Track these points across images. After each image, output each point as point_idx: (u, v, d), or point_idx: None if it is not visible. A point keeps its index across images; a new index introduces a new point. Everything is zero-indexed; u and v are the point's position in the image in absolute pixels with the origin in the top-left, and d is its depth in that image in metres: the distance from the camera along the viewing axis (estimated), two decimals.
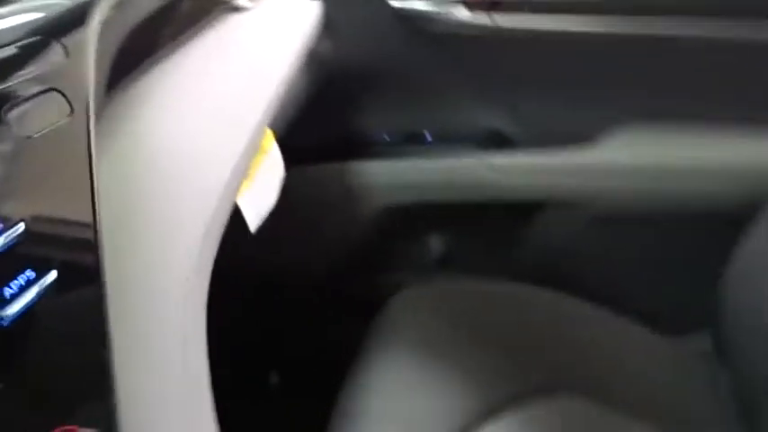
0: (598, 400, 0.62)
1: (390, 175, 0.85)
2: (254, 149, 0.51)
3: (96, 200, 0.31)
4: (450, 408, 0.61)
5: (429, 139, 0.85)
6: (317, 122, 0.78)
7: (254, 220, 0.56)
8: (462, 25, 0.81)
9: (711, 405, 0.65)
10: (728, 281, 0.64)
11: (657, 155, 0.77)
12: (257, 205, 0.58)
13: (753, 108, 0.73)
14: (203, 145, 0.44)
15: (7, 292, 0.26)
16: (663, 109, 0.76)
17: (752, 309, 0.61)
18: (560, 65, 0.80)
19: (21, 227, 0.27)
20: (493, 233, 0.87)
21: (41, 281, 0.27)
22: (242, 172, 0.47)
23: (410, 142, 0.85)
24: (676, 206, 0.77)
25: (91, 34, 0.37)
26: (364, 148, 0.85)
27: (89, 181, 0.31)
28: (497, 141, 0.83)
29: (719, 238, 0.64)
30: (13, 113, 0.30)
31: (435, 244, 0.89)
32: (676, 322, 0.73)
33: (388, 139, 0.85)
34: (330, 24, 0.74)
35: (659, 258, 0.79)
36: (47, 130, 0.31)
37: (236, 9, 0.66)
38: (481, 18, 0.81)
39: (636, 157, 0.77)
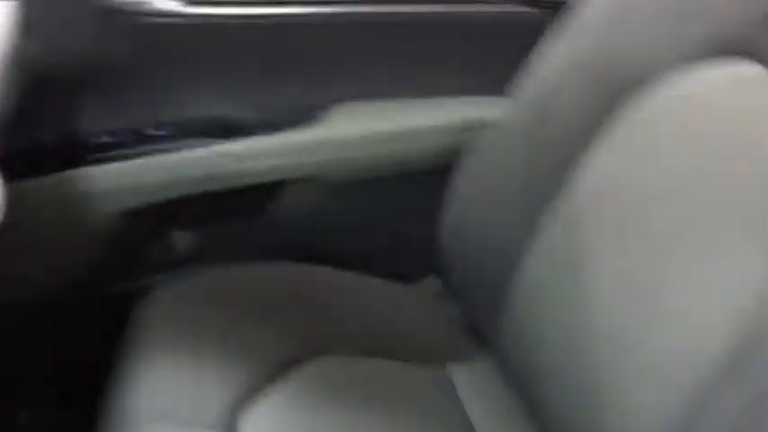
0: (364, 354, 0.71)
1: (120, 178, 0.82)
2: None
3: None
4: (220, 390, 0.64)
5: (156, 134, 0.84)
6: (31, 131, 0.72)
7: None
8: (164, 14, 0.81)
9: (452, 338, 0.80)
10: (443, 228, 0.79)
11: (372, 126, 0.88)
12: None
13: (436, 80, 0.89)
14: None
15: None
16: (371, 87, 0.88)
17: (463, 251, 0.74)
18: (269, 50, 0.86)
19: None
20: (241, 219, 0.90)
21: None
22: None
23: (138, 141, 0.82)
24: (396, 168, 0.90)
25: None
26: (87, 152, 0.80)
27: None
28: (227, 129, 0.85)
29: (437, 191, 0.78)
30: None
31: (185, 240, 0.89)
32: (417, 269, 0.87)
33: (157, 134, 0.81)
34: (31, 25, 0.68)
35: (393, 216, 0.92)
36: None
37: None
38: (182, 6, 0.82)
39: (354, 130, 0.88)
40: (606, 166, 0.59)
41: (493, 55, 0.86)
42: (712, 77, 0.54)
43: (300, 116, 0.86)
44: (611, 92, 0.59)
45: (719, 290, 0.45)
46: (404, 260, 0.88)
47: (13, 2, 0.68)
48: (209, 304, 0.74)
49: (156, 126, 0.84)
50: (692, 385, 0.44)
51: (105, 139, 0.81)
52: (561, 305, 0.59)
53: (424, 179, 0.85)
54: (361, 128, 0.87)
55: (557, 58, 0.67)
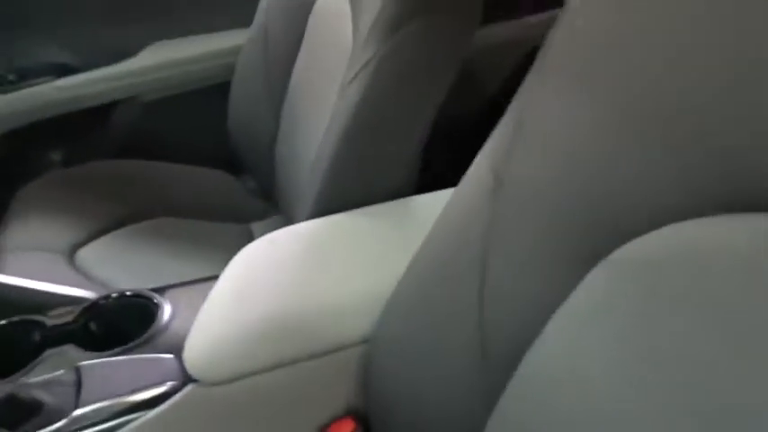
0: (179, 215, 1.06)
1: None
2: None
3: None
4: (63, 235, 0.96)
5: (11, 79, 1.15)
6: None
7: None
8: None
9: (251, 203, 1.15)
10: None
11: (175, 58, 1.23)
12: None
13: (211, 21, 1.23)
14: None
15: None
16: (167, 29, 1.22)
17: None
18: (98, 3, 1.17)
19: None
20: (80, 134, 1.24)
21: None
22: None
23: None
24: (189, 86, 1.25)
25: None
26: None
27: None
28: (62, 71, 1.18)
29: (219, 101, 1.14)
30: None
31: (49, 157, 1.22)
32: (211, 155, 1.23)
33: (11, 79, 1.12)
34: None
35: (191, 120, 1.27)
36: None
37: None
38: None
39: (165, 64, 1.22)
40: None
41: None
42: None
43: (119, 55, 1.20)
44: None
45: None
46: (201, 149, 1.24)
47: None
48: (64, 189, 1.08)
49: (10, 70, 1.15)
50: None
51: None
52: None
53: (208, 92, 1.21)
54: (163, 56, 1.22)
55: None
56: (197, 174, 1.20)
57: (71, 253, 0.97)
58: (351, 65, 0.76)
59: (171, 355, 0.63)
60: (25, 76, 1.16)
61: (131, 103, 1.23)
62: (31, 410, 0.58)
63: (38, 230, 0.99)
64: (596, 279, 0.42)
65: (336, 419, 0.65)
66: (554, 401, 0.45)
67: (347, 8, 0.84)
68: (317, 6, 0.95)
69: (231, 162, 1.20)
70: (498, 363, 0.48)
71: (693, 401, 0.35)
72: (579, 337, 0.44)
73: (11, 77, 1.15)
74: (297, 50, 0.99)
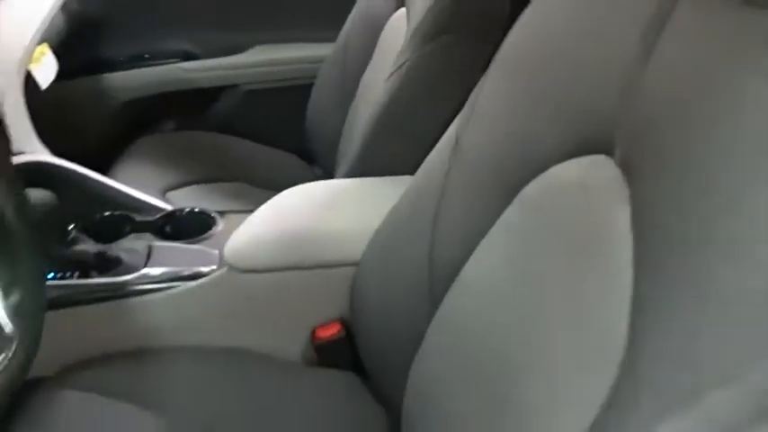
0: (252, 184, 1.25)
1: (127, 81, 1.45)
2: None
3: None
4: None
5: (147, 57, 1.46)
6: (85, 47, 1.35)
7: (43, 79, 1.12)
8: None
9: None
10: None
11: (274, 59, 1.51)
12: (43, 74, 1.14)
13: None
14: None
15: None
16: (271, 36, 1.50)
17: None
18: (216, 10, 1.47)
19: None
20: (191, 108, 1.53)
21: None
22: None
23: (138, 61, 1.45)
24: (280, 82, 1.52)
25: None
26: (113, 64, 1.43)
27: None
28: (186, 57, 1.48)
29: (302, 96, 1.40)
30: None
31: (164, 121, 1.53)
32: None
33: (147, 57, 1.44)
34: None
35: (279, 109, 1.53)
36: None
37: None
38: None
39: (263, 63, 1.50)
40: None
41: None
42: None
43: (231, 50, 1.49)
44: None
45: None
46: (282, 136, 1.49)
47: None
48: (168, 147, 1.36)
49: (149, 53, 1.46)
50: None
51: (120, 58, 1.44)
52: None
53: (294, 89, 1.47)
54: (265, 57, 1.50)
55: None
56: (275, 154, 1.45)
57: (163, 193, 1.22)
58: (393, 66, 0.98)
59: (216, 251, 0.85)
60: (156, 57, 1.46)
61: (234, 90, 1.52)
62: (115, 263, 0.82)
63: (141, 173, 1.26)
64: (510, 211, 0.59)
65: (327, 322, 0.85)
66: (470, 303, 0.63)
67: (405, 25, 1.07)
68: (387, 24, 1.18)
69: (304, 150, 1.44)
70: (441, 276, 0.66)
71: (540, 300, 0.51)
72: (492, 255, 0.62)
73: (145, 56, 1.46)
74: (368, 61, 1.22)
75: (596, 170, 0.49)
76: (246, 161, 1.40)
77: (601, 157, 0.49)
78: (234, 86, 1.51)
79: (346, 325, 0.84)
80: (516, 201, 0.59)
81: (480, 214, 0.62)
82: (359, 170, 0.97)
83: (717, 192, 0.36)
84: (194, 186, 1.26)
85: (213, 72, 1.49)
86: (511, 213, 0.59)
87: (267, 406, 0.78)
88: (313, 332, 0.85)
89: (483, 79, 0.67)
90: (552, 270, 0.51)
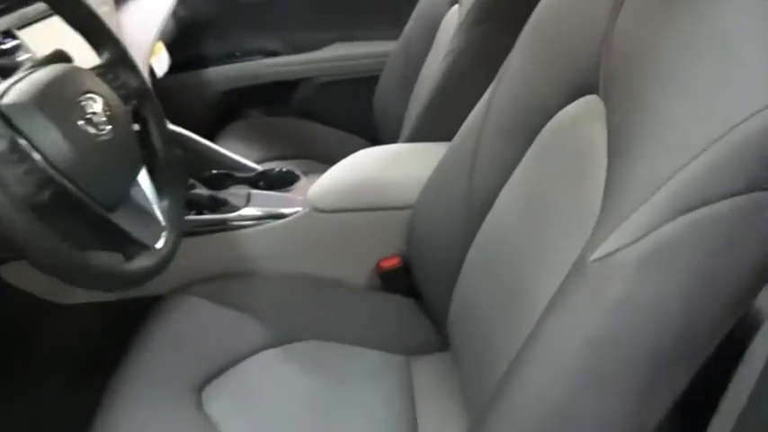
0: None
1: (222, 74, 1.70)
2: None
3: None
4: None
5: (239, 55, 1.71)
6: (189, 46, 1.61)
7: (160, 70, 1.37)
8: None
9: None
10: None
11: (347, 54, 1.73)
12: (159, 66, 1.39)
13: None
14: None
15: None
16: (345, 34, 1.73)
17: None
18: (297, 14, 1.71)
19: None
20: (274, 97, 1.77)
21: None
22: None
23: (232, 58, 1.71)
24: (354, 74, 1.74)
25: None
26: (211, 60, 1.69)
27: None
28: (271, 53, 1.72)
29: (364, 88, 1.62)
30: None
31: (250, 109, 1.77)
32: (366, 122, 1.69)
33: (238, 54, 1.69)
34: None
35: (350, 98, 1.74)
36: None
37: None
38: None
39: (345, 55, 1.73)
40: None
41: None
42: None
43: (308, 48, 1.72)
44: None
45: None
46: (352, 120, 1.70)
47: None
48: (255, 130, 1.59)
49: (239, 51, 1.71)
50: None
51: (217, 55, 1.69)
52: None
53: (362, 81, 1.69)
54: (339, 53, 1.73)
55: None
56: (344, 137, 1.67)
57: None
58: (446, 51, 1.17)
59: (300, 198, 1.06)
60: (246, 54, 1.71)
61: (311, 82, 1.75)
62: (222, 204, 1.04)
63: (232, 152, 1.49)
64: (530, 151, 0.78)
65: (389, 256, 1.04)
66: (497, 227, 0.81)
67: (457, 20, 1.26)
68: (444, 21, 1.37)
69: (370, 133, 1.65)
70: (477, 210, 0.85)
71: (542, 208, 0.69)
72: (515, 188, 0.80)
73: (237, 53, 1.71)
74: (427, 53, 1.42)
75: (586, 107, 0.67)
76: (319, 142, 1.62)
77: (591, 97, 0.67)
78: (311, 78, 1.74)
79: (404, 259, 1.03)
80: (534, 143, 0.77)
81: (508, 157, 0.80)
82: (417, 137, 1.17)
83: (650, 102, 0.53)
84: (274, 162, 1.48)
85: (294, 67, 1.72)
86: (530, 153, 0.77)
87: (340, 316, 0.98)
88: (378, 264, 1.04)
89: (510, 53, 0.86)
90: (552, 184, 0.69)
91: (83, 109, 0.64)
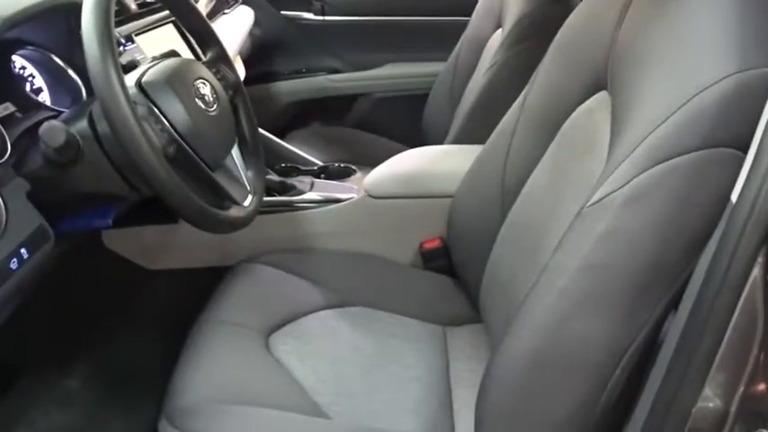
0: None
1: (289, 88, 1.91)
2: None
3: None
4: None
5: (304, 71, 1.92)
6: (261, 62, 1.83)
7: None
8: (312, 23, 1.89)
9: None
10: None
11: (397, 71, 1.92)
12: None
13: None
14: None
15: None
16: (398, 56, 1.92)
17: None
18: (356, 35, 1.91)
19: None
20: (333, 109, 1.97)
21: None
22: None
23: (298, 74, 1.91)
24: (407, 91, 1.92)
25: None
26: (280, 75, 1.91)
27: None
28: (333, 71, 1.92)
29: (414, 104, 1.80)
30: None
31: (312, 119, 1.97)
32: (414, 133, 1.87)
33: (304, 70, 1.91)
34: (257, 21, 1.78)
35: (402, 110, 1.93)
36: None
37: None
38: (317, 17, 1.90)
39: (399, 74, 1.92)
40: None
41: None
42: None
43: (367, 66, 1.92)
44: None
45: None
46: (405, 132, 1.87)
47: (250, 9, 1.78)
48: (316, 138, 1.78)
49: (306, 68, 1.92)
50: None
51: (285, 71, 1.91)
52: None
53: (413, 97, 1.87)
54: (393, 72, 1.92)
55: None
56: (395, 147, 1.81)
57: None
58: (488, 65, 1.34)
59: (356, 187, 1.23)
60: (311, 71, 1.92)
61: (366, 97, 1.95)
62: (289, 189, 1.21)
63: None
64: (554, 143, 0.93)
65: (431, 238, 1.20)
66: (525, 206, 0.96)
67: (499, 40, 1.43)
68: (488, 44, 1.54)
69: (419, 144, 1.81)
70: (509, 194, 1.00)
71: (559, 186, 0.86)
72: (540, 173, 0.95)
73: (303, 70, 1.92)
74: (472, 73, 1.58)
75: (597, 101, 0.83)
76: (371, 149, 1.79)
77: (602, 93, 0.82)
78: (366, 94, 1.94)
79: (444, 241, 1.19)
80: (557, 136, 0.92)
81: (536, 149, 0.96)
82: (459, 141, 1.33)
83: (640, 86, 0.68)
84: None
85: (352, 83, 1.92)
86: (554, 144, 0.93)
87: (387, 288, 1.14)
88: (421, 245, 1.20)
89: (540, 63, 1.01)
90: (568, 163, 0.85)
91: (198, 90, 0.83)
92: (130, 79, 0.79)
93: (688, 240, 0.60)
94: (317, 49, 1.93)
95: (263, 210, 1.15)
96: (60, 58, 0.95)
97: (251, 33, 1.75)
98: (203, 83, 0.84)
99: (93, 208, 0.82)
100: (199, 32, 0.95)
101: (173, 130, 0.78)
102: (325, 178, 1.29)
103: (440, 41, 1.83)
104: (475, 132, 1.31)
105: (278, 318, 1.03)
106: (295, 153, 1.36)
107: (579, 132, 0.85)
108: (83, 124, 0.77)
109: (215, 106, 0.84)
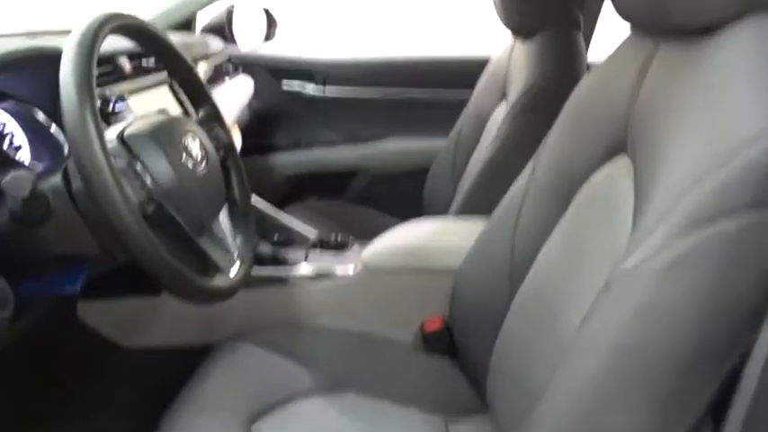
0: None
1: (289, 160, 1.87)
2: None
3: None
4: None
5: (302, 144, 1.88)
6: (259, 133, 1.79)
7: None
8: (312, 95, 1.88)
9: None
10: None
11: (399, 148, 1.88)
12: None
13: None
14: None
15: None
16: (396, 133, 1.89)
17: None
18: (356, 109, 1.89)
19: None
20: (330, 183, 1.91)
21: None
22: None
23: (296, 146, 1.87)
24: (404, 167, 1.88)
25: None
26: (277, 147, 1.86)
27: None
28: (332, 144, 1.88)
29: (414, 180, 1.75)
30: None
31: (310, 192, 1.92)
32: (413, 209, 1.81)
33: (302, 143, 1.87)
34: (256, 91, 1.75)
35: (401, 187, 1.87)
36: None
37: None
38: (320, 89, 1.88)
39: (399, 149, 1.88)
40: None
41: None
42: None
43: (368, 139, 1.88)
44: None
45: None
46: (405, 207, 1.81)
47: (250, 79, 1.75)
48: (315, 211, 1.72)
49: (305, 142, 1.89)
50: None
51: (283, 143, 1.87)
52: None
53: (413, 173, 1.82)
54: (392, 147, 1.88)
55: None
56: (395, 222, 1.76)
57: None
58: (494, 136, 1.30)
59: (352, 262, 1.15)
60: (308, 143, 1.89)
61: (367, 172, 1.90)
62: (281, 260, 1.14)
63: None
64: (568, 212, 0.86)
65: (433, 316, 1.11)
66: (538, 280, 0.88)
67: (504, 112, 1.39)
68: (492, 116, 1.50)
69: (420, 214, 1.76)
70: (519, 268, 0.92)
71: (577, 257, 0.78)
72: (554, 245, 0.88)
73: (301, 143, 1.89)
74: (476, 145, 1.54)
75: (616, 165, 0.76)
76: (369, 225, 1.71)
77: (620, 156, 0.76)
78: (365, 169, 1.89)
79: (447, 320, 1.10)
80: (572, 204, 0.85)
81: (548, 219, 0.89)
82: (463, 213, 1.27)
83: (667, 146, 0.62)
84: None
85: (350, 157, 1.88)
86: (569, 213, 0.86)
87: (383, 372, 1.04)
88: (422, 326, 1.11)
89: (549, 133, 0.96)
90: (587, 231, 0.77)
91: (185, 146, 0.76)
92: (112, 132, 0.73)
93: (737, 313, 0.52)
94: (316, 122, 1.90)
95: (251, 283, 1.07)
96: (44, 112, 0.90)
97: (250, 105, 1.73)
98: (192, 138, 0.78)
99: (61, 271, 0.74)
100: (191, 89, 0.90)
101: (155, 188, 0.71)
102: (320, 250, 1.21)
103: (440, 117, 1.82)
104: (479, 205, 1.25)
105: (262, 403, 0.93)
106: (289, 224, 1.29)
107: (597, 199, 0.78)
108: (55, 179, 0.71)
109: (203, 165, 0.78)
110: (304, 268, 1.13)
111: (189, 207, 0.75)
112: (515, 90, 1.32)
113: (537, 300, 0.85)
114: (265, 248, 1.16)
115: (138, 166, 0.70)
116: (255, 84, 1.77)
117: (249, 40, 1.77)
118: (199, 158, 0.77)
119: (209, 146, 0.82)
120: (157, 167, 0.71)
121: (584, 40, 1.39)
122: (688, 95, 0.61)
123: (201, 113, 0.90)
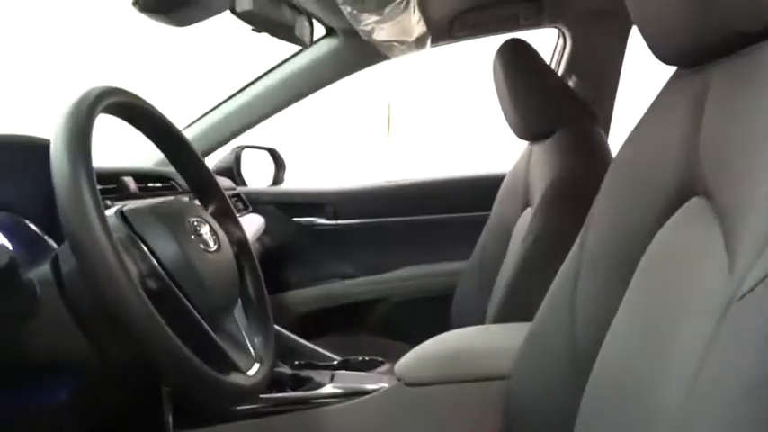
0: None
1: (303, 296, 1.76)
2: None
3: None
4: None
5: (316, 278, 1.79)
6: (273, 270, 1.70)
7: None
8: (325, 225, 1.82)
9: None
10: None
11: (418, 274, 1.78)
12: None
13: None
14: None
15: None
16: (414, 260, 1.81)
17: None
18: (370, 238, 1.82)
19: None
20: (352, 317, 1.79)
21: None
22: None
23: (312, 281, 1.78)
24: (422, 294, 1.77)
25: None
26: (291, 284, 1.77)
27: None
28: (347, 277, 1.79)
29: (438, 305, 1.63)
30: None
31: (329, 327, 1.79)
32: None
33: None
34: (267, 228, 1.69)
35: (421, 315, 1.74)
36: None
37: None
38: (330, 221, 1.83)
39: (409, 278, 1.78)
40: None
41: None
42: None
43: (383, 270, 1.79)
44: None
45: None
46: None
47: (260, 217, 1.70)
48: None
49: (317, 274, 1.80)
50: None
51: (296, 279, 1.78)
52: None
53: (436, 299, 1.71)
54: (411, 274, 1.78)
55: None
56: None
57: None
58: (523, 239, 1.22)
59: (387, 375, 1.02)
60: (323, 277, 1.80)
61: (386, 301, 1.78)
62: (304, 382, 1.00)
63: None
64: (635, 279, 0.76)
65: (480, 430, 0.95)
66: (609, 369, 0.75)
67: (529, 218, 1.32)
68: (517, 225, 1.43)
69: None
70: (584, 360, 0.79)
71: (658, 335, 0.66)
72: (623, 320, 0.76)
73: (315, 277, 1.80)
74: (503, 257, 1.45)
75: (690, 210, 0.68)
76: (393, 358, 1.58)
77: (692, 200, 0.67)
78: (384, 298, 1.78)
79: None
80: (638, 269, 0.75)
81: (610, 295, 0.78)
82: (500, 320, 1.14)
83: (752, 172, 0.54)
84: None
85: (368, 288, 1.78)
86: (636, 279, 0.76)
87: None
88: None
89: (594, 204, 0.87)
90: (671, 290, 0.66)
91: (194, 228, 0.68)
92: (110, 211, 0.64)
93: None
94: (329, 255, 1.82)
95: (272, 409, 0.93)
96: (35, 223, 0.82)
97: (261, 241, 1.66)
98: (201, 222, 0.69)
99: (43, 379, 0.61)
100: (199, 182, 0.83)
101: (159, 266, 0.61)
102: (347, 372, 1.08)
103: (457, 239, 1.75)
104: (518, 310, 1.13)
105: None
106: (311, 349, 1.16)
107: (675, 252, 0.68)
108: (43, 268, 0.61)
109: (215, 248, 0.69)
110: (330, 389, 0.98)
111: (200, 293, 0.64)
112: (539, 190, 1.26)
113: (618, 384, 0.71)
114: (285, 371, 1.02)
115: (139, 241, 0.61)
116: (266, 221, 1.72)
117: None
118: (210, 243, 0.68)
119: (221, 233, 0.73)
120: (162, 244, 0.62)
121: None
122: (762, 116, 0.55)
123: (211, 208, 0.82)
